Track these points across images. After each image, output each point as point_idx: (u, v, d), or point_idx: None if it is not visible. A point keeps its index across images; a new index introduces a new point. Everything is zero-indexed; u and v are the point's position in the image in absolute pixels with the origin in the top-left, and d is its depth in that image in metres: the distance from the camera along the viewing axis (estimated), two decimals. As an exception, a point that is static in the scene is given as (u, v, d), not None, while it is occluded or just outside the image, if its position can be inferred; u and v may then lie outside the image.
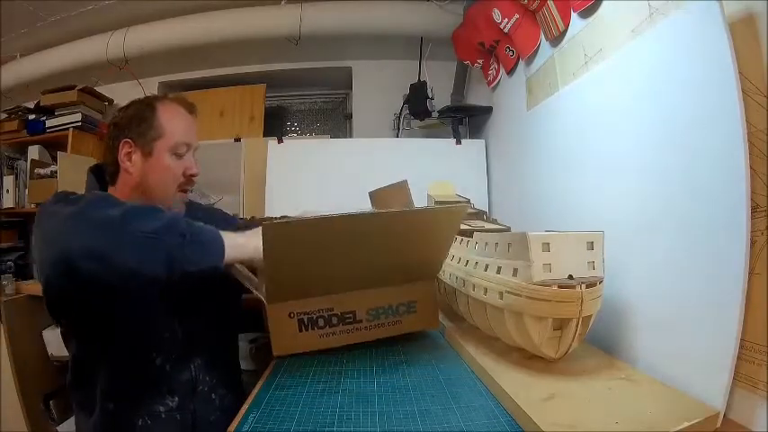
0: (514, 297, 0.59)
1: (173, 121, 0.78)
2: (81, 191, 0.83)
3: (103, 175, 0.81)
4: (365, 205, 0.86)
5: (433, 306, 0.83)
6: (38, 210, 0.66)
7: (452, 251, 0.83)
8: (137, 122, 0.77)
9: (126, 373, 0.72)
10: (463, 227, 0.86)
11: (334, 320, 0.77)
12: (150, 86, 2.15)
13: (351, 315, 0.77)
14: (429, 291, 0.82)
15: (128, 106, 0.81)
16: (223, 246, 0.63)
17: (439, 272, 0.83)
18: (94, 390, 0.72)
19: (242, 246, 0.66)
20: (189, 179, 0.81)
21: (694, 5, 0.57)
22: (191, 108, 0.84)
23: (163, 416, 0.72)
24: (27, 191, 1.96)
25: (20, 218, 2.09)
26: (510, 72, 1.32)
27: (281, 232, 0.62)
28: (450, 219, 0.73)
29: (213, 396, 0.79)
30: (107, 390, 0.71)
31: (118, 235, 0.57)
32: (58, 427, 1.60)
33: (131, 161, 0.77)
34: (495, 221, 1.03)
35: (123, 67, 1.97)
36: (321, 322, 0.76)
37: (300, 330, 0.76)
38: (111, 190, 0.80)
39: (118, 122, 0.78)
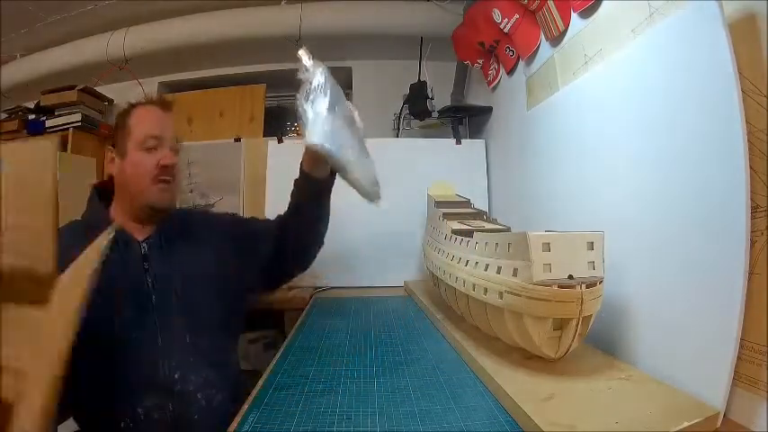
0: (514, 297, 0.59)
1: (140, 119, 0.83)
2: (79, 191, 0.87)
3: (107, 187, 0.86)
4: (365, 205, 0.84)
5: None
6: None
7: (452, 251, 0.83)
8: (116, 130, 0.84)
9: (105, 376, 0.73)
10: (463, 227, 0.86)
11: None
12: (150, 86, 2.13)
13: None
14: None
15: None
16: None
17: None
18: (78, 394, 0.72)
19: None
20: (162, 169, 0.82)
21: (694, 5, 0.57)
22: (165, 105, 0.87)
23: (142, 417, 0.72)
24: (27, 191, 1.96)
25: (20, 218, 2.09)
26: (510, 72, 1.32)
27: None
28: None
29: (199, 396, 0.77)
30: (88, 394, 0.72)
31: None
32: (57, 427, 1.60)
33: (114, 165, 0.83)
34: (495, 221, 1.03)
35: (123, 67, 1.96)
36: None
37: None
38: (114, 198, 0.85)
39: (108, 135, 0.84)
